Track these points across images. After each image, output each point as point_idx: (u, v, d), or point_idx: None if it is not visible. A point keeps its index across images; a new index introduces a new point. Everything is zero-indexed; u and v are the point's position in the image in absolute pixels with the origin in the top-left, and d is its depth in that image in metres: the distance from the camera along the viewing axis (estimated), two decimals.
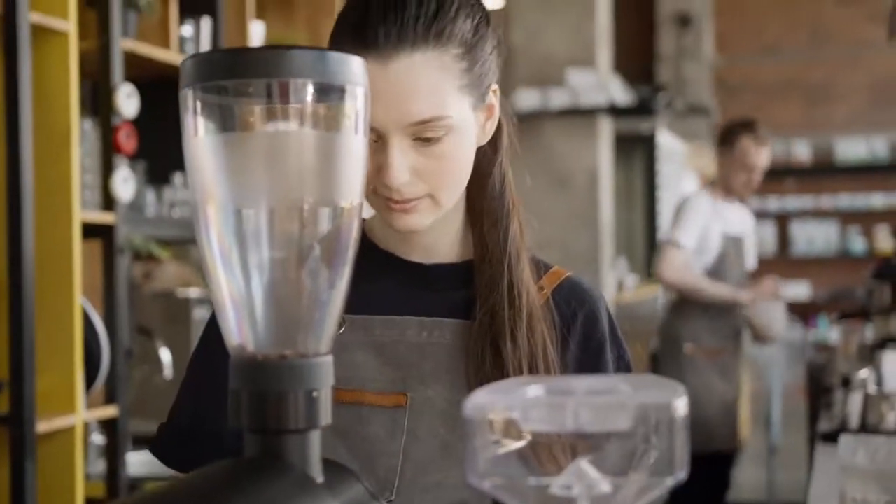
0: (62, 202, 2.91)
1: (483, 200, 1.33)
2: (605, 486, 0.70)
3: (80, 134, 3.03)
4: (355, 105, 0.80)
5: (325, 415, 0.79)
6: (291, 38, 4.29)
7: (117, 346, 3.13)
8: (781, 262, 10.77)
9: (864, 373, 3.12)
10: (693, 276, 4.40)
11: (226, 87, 0.81)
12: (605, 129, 6.88)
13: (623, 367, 1.35)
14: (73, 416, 2.94)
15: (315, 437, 0.80)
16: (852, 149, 10.54)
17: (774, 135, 10.71)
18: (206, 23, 3.69)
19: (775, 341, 4.60)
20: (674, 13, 10.53)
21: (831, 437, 2.70)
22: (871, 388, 2.99)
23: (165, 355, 3.46)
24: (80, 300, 2.94)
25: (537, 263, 1.36)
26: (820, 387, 4.41)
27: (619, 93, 6.95)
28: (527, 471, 0.71)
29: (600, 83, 6.71)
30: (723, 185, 4.51)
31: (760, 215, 10.75)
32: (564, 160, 6.62)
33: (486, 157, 1.33)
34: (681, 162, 8.92)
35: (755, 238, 4.81)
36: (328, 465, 0.82)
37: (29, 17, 2.77)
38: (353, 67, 0.80)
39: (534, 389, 0.72)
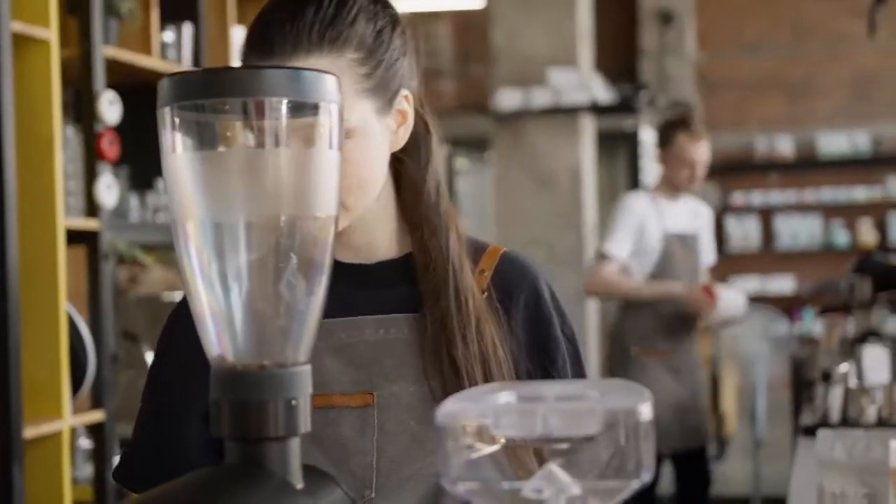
0: (46, 209, 2.92)
1: (419, 209, 1.35)
2: (575, 489, 0.73)
3: (63, 141, 3.04)
4: (329, 121, 0.83)
5: (305, 422, 0.82)
6: None
7: (103, 351, 3.14)
8: (766, 255, 10.81)
9: (845, 367, 3.16)
10: (617, 283, 4.37)
11: (203, 106, 0.83)
12: (588, 128, 6.91)
13: (569, 343, 1.38)
14: (60, 421, 2.95)
15: (295, 444, 0.82)
16: (835, 143, 10.58)
17: (757, 130, 10.78)
18: (187, 29, 3.70)
19: (741, 319, 4.55)
20: (656, 10, 10.57)
21: (812, 431, 2.73)
22: (852, 382, 3.02)
23: (151, 359, 3.47)
24: (65, 306, 2.95)
25: (475, 245, 1.39)
26: (803, 380, 4.44)
27: (601, 91, 6.97)
28: (500, 475, 0.73)
29: (582, 82, 6.74)
30: (666, 183, 4.51)
31: (744, 210, 10.80)
32: (547, 160, 6.64)
33: (416, 166, 1.35)
34: None
35: (711, 233, 4.66)
36: (308, 471, 0.84)
37: (10, 26, 2.78)
38: (327, 85, 0.82)
39: (505, 396, 0.74)
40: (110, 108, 3.16)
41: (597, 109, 6.85)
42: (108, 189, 3.16)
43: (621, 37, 10.64)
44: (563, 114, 6.70)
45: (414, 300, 1.33)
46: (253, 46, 1.23)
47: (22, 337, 2.82)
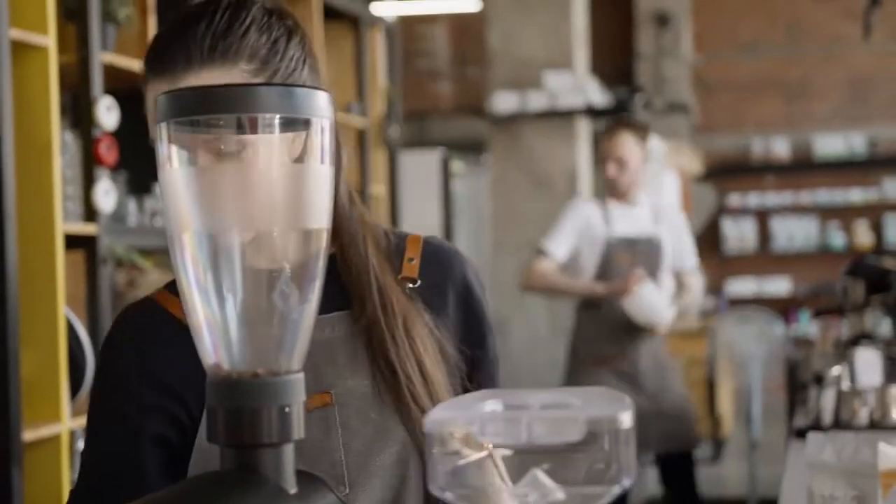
0: (44, 214, 2.94)
1: (335, 220, 1.36)
2: (559, 494, 0.75)
3: (62, 146, 3.06)
4: (320, 136, 0.85)
5: (298, 429, 0.84)
6: None
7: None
8: (762, 257, 10.85)
9: (837, 369, 3.18)
10: (548, 278, 4.40)
11: (198, 122, 0.85)
12: (584, 131, 6.94)
13: (490, 331, 1.42)
14: (59, 424, 2.97)
15: (288, 451, 0.84)
16: (830, 145, 10.62)
17: (754, 132, 10.80)
18: None
19: (660, 327, 4.38)
20: (652, 12, 10.60)
21: (804, 434, 2.75)
22: (845, 385, 3.04)
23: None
24: (63, 310, 2.98)
25: (397, 236, 1.41)
26: (798, 382, 4.45)
27: (597, 94, 7.00)
28: (485, 481, 0.76)
29: (577, 85, 6.76)
30: (608, 187, 4.54)
31: (740, 211, 10.83)
32: (543, 162, 6.67)
33: None
34: (661, 160, 8.98)
35: (683, 235, 4.61)
36: (301, 477, 0.86)
37: (9, 33, 2.80)
38: (318, 101, 0.85)
39: (491, 404, 0.77)
40: (108, 113, 3.18)
41: (592, 113, 6.88)
42: (106, 194, 3.18)
43: (617, 39, 10.67)
44: (560, 116, 6.73)
45: (346, 297, 1.35)
46: (150, 62, 1.26)
47: (21, 340, 2.84)
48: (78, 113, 3.27)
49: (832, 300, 7.05)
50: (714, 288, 10.69)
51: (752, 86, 10.87)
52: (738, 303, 10.12)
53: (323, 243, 0.87)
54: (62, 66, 3.05)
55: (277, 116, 0.83)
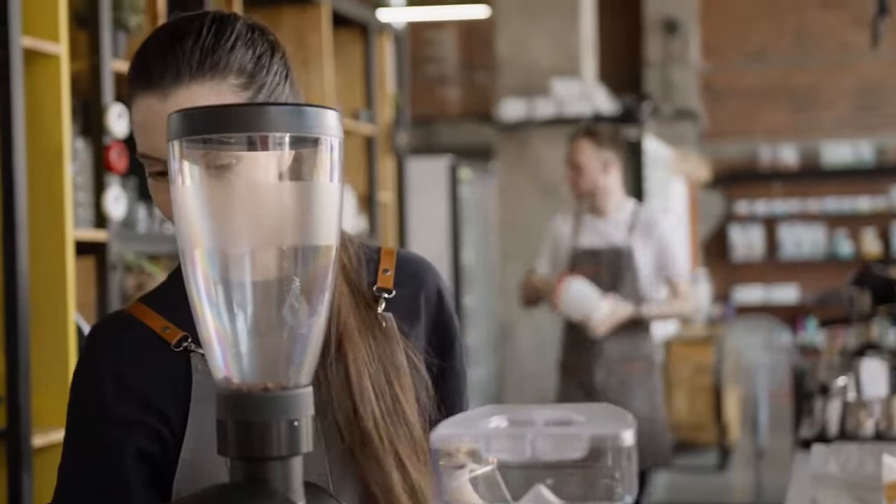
0: (55, 220, 2.96)
1: None
2: None
3: (73, 153, 3.08)
4: (329, 155, 0.87)
5: (307, 442, 0.86)
6: None
7: None
8: (769, 265, 10.85)
9: (843, 380, 3.18)
10: (522, 289, 4.60)
11: (210, 140, 0.87)
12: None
13: (458, 343, 1.44)
14: None
15: (297, 463, 0.86)
16: (838, 153, 10.62)
17: (761, 139, 10.80)
18: None
19: (597, 327, 4.28)
20: (660, 19, 10.61)
21: (809, 445, 2.76)
22: (850, 396, 3.04)
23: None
24: (73, 316, 2.99)
25: (369, 249, 1.41)
26: (804, 391, 4.45)
27: (604, 102, 7.01)
28: (491, 496, 0.77)
29: (585, 93, 6.77)
30: (575, 197, 4.56)
31: (748, 219, 10.84)
32: (550, 169, 6.68)
33: None
34: (668, 168, 8.98)
35: (665, 245, 4.46)
36: (309, 489, 0.88)
37: (21, 41, 2.82)
38: (327, 120, 0.86)
39: (496, 420, 0.78)
40: (119, 120, 3.20)
41: (599, 120, 6.88)
42: (117, 200, 3.20)
43: (625, 46, 10.68)
44: (567, 124, 6.74)
45: None
46: (137, 77, 1.26)
47: (31, 346, 2.86)
48: (89, 120, 3.30)
49: (839, 308, 7.04)
50: (721, 295, 10.70)
51: (760, 93, 10.87)
52: (746, 310, 10.12)
53: (332, 259, 0.88)
54: (73, 74, 3.07)
55: (288, 135, 0.85)
